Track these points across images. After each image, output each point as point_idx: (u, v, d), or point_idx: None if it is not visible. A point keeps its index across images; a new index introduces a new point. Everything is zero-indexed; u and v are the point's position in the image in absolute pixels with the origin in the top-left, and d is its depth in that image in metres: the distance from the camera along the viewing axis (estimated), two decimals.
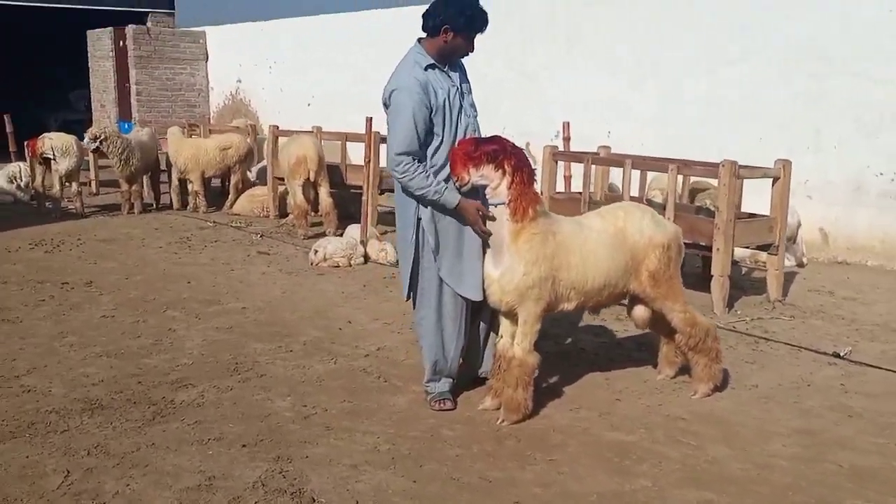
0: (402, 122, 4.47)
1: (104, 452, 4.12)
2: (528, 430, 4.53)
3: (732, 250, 7.01)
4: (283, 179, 10.97)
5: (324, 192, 10.11)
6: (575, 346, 5.99)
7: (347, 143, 10.82)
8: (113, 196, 12.55)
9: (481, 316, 4.88)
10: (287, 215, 11.17)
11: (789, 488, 3.93)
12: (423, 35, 4.65)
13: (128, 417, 4.55)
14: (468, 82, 4.76)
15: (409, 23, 14.79)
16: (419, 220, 4.60)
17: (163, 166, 12.42)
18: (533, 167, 4.50)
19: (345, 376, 5.28)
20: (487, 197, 4.48)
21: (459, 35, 4.57)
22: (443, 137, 4.55)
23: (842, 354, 5.98)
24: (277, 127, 11.59)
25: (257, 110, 17.86)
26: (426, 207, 4.56)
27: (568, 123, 9.97)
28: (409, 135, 4.45)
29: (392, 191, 10.75)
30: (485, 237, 4.51)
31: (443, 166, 4.54)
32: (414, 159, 4.47)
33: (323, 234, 9.91)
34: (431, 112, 4.48)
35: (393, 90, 4.53)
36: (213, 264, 8.55)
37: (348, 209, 11.40)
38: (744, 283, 7.97)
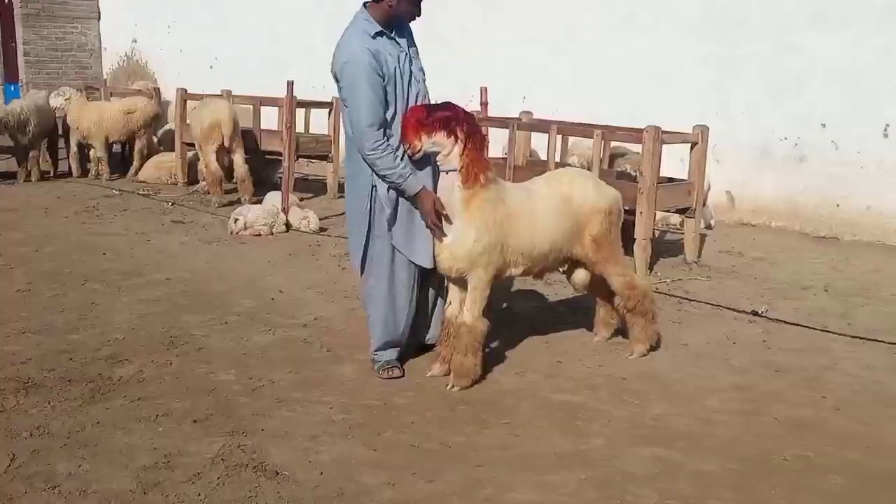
0: (362, 94, 4.37)
1: (48, 433, 3.95)
2: (478, 394, 4.58)
3: (654, 214, 7.22)
4: (192, 145, 10.66)
5: (239, 159, 9.86)
6: (511, 311, 6.08)
7: (261, 107, 10.53)
8: (5, 163, 11.91)
9: (429, 283, 4.89)
10: (196, 182, 10.87)
11: (734, 442, 4.12)
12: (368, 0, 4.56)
13: (66, 396, 4.38)
14: (415, 45, 4.71)
15: None
16: (374, 188, 4.55)
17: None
18: (485, 133, 4.51)
19: (287, 347, 5.21)
20: (439, 164, 4.46)
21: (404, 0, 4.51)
22: (396, 107, 4.49)
23: (760, 312, 6.27)
24: (186, 90, 11.20)
25: (155, 72, 17.20)
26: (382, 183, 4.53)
27: (485, 88, 9.98)
28: (373, 104, 4.37)
29: (308, 157, 10.77)
30: (436, 232, 4.48)
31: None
32: (384, 134, 4.41)
33: (237, 202, 9.69)
34: (384, 81, 4.41)
35: (344, 62, 4.43)
36: (128, 234, 8.25)
37: (260, 175, 11.18)
38: (659, 246, 8.21)
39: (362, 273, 4.77)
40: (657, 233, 8.81)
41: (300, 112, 10.31)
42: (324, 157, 10.80)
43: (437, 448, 3.95)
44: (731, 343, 5.62)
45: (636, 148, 8.57)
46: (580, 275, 5.13)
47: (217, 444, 3.87)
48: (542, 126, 7.60)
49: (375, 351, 4.81)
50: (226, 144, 9.74)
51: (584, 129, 7.50)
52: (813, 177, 9.17)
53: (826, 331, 5.92)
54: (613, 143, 8.40)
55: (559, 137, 7.75)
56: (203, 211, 9.52)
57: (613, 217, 4.97)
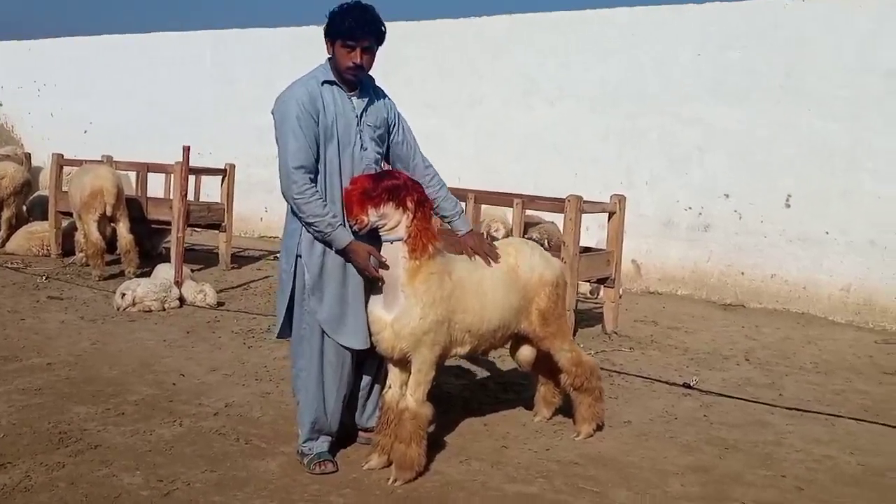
0: (289, 133, 3.97)
1: None
2: (423, 489, 4.11)
3: (577, 284, 7.00)
4: (68, 214, 9.85)
5: (123, 229, 9.13)
6: (441, 390, 5.64)
7: (149, 174, 9.86)
8: None
9: (365, 365, 4.42)
10: (72, 254, 10.01)
11: None
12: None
13: None
14: (385, 115, 4.27)
15: (198, 48, 13.99)
16: (299, 257, 4.10)
17: None
18: (431, 201, 4.14)
19: (197, 441, 4.60)
20: (381, 233, 4.05)
21: (333, 43, 4.12)
22: (326, 164, 4.07)
23: (692, 384, 6.08)
24: (62, 155, 10.39)
25: (22, 137, 16.14)
26: (309, 241, 4.07)
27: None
28: (300, 146, 3.95)
29: (198, 226, 10.12)
30: (377, 283, 4.07)
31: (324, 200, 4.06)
32: (310, 179, 3.98)
33: (120, 275, 8.94)
34: (317, 127, 4.00)
35: (280, 101, 4.06)
36: None
37: (144, 247, 10.43)
38: (576, 317, 8.01)
39: (281, 338, 4.34)
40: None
41: (190, 179, 9.69)
42: (215, 227, 10.17)
43: None
44: (673, 418, 5.37)
45: (547, 218, 8.46)
46: (526, 352, 4.78)
47: None
48: (460, 195, 7.30)
49: (304, 442, 4.28)
50: (108, 213, 9.02)
51: (504, 198, 7.27)
52: (717, 246, 9.25)
53: (761, 402, 5.77)
54: (529, 213, 8.19)
55: (475, 206, 7.47)
56: (82, 285, 8.70)
57: (560, 290, 4.67)
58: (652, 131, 9.55)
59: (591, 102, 9.93)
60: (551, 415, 5.16)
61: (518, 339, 4.75)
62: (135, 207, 9.68)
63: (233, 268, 10.19)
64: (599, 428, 4.97)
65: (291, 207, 4.06)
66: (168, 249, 10.19)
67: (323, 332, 4.15)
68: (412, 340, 4.04)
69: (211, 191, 10.97)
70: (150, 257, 10.19)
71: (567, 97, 10.08)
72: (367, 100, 4.19)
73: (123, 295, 7.56)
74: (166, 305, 7.64)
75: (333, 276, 4.12)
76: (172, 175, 9.53)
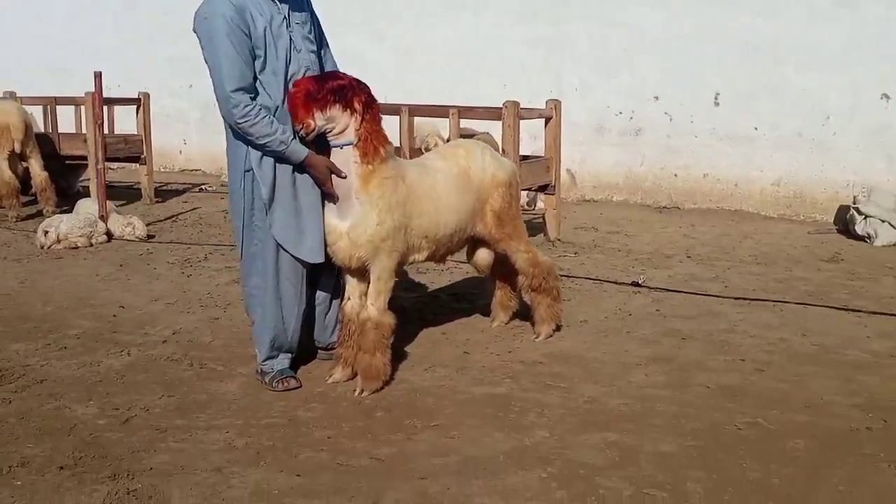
0: (222, 53, 3.72)
1: None
2: (391, 397, 4.03)
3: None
4: None
5: (36, 166, 8.66)
6: (395, 303, 5.51)
7: (57, 107, 9.31)
8: None
9: (321, 279, 4.27)
10: None
11: (679, 417, 3.82)
12: None
13: None
14: (308, 11, 4.05)
15: None
16: (249, 170, 3.89)
17: None
18: (377, 101, 3.96)
19: (149, 368, 4.40)
20: (330, 139, 3.87)
21: None
22: (266, 75, 3.84)
23: (640, 283, 6.12)
24: None
25: None
26: (259, 155, 3.85)
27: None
28: (236, 65, 3.72)
29: (116, 160, 9.65)
30: (333, 198, 3.90)
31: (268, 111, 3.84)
32: (251, 99, 3.75)
33: (38, 215, 8.50)
34: (251, 40, 3.76)
35: (203, 19, 3.77)
36: None
37: (59, 185, 9.92)
38: None
39: (242, 272, 4.09)
40: None
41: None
42: (134, 160, 9.72)
43: (369, 464, 3.37)
44: (627, 315, 5.40)
45: (481, 128, 8.32)
46: (483, 255, 4.70)
47: (99, 493, 3.09)
48: (393, 108, 7.09)
49: (264, 361, 4.14)
50: (18, 150, 8.50)
51: (439, 109, 7.09)
52: (650, 149, 9.29)
53: (709, 295, 5.86)
54: (464, 125, 8.04)
55: (409, 120, 7.28)
56: None
57: (514, 190, 4.59)
58: (579, 36, 9.43)
59: (515, 11, 9.73)
60: (508, 319, 5.12)
61: (474, 243, 4.67)
62: (46, 144, 9.17)
63: (157, 202, 9.79)
64: (558, 328, 4.96)
65: (235, 129, 3.83)
66: (85, 187, 9.74)
67: (277, 247, 3.98)
68: (370, 248, 3.91)
69: (125, 126, 10.46)
70: (66, 196, 9.72)
71: (490, 5, 9.86)
72: (287, 4, 3.93)
73: (46, 232, 7.17)
74: (93, 241, 7.29)
75: (285, 188, 3.94)
76: (84, 107, 9.02)
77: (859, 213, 7.76)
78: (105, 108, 9.51)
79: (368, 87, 3.90)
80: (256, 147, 3.83)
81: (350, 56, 10.37)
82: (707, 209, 9.12)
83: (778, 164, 8.74)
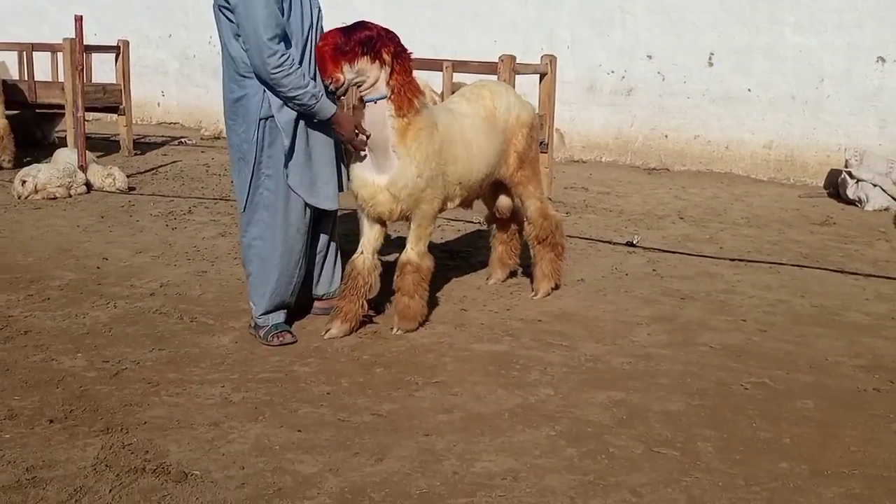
0: (256, 2, 3.54)
1: None
2: (390, 353, 3.92)
3: None
4: None
5: None
6: (385, 262, 5.41)
7: (34, 54, 8.99)
8: None
9: (321, 228, 4.14)
10: None
11: (685, 375, 3.76)
12: None
13: None
14: None
15: None
16: (265, 119, 3.74)
17: None
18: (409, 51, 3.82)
19: (138, 321, 4.26)
20: (363, 94, 3.74)
21: None
22: (291, 26, 3.70)
23: (634, 243, 6.04)
24: None
25: None
26: (279, 104, 3.71)
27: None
28: (271, 13, 3.58)
29: (96, 109, 9.36)
30: (360, 155, 3.79)
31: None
32: (286, 48, 3.60)
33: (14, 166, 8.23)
34: None
35: None
36: None
37: (34, 135, 9.67)
38: None
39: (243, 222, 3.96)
40: None
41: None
42: (112, 110, 9.45)
43: (371, 420, 3.27)
44: (624, 274, 5.32)
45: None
46: (504, 199, 4.70)
47: (93, 447, 2.96)
48: None
49: (261, 315, 4.00)
50: None
51: (432, 63, 6.90)
52: (641, 110, 9.16)
53: (705, 255, 5.79)
54: (457, 79, 7.86)
55: None
56: None
57: (534, 132, 4.53)
58: None
59: None
60: (506, 277, 5.03)
61: (495, 188, 4.61)
62: (20, 92, 8.88)
63: (136, 154, 9.54)
64: (557, 287, 4.87)
65: (267, 82, 3.67)
66: (61, 138, 9.46)
67: (286, 197, 3.87)
68: (412, 200, 3.88)
69: (101, 76, 10.16)
70: (42, 146, 9.45)
71: None
72: None
73: (24, 182, 6.95)
74: (72, 191, 7.08)
75: (300, 137, 3.85)
76: (61, 54, 8.73)
77: (851, 176, 7.72)
78: (83, 55, 9.25)
79: (397, 37, 3.77)
80: (285, 98, 3.69)
81: (338, 5, 10.18)
82: (697, 171, 9.04)
83: (769, 127, 8.66)
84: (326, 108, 3.74)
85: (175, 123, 12.33)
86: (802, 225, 6.91)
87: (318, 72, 3.75)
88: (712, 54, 8.77)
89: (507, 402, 3.45)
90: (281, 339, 3.96)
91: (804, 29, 8.38)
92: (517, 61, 6.95)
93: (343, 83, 3.65)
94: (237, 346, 3.97)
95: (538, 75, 7.16)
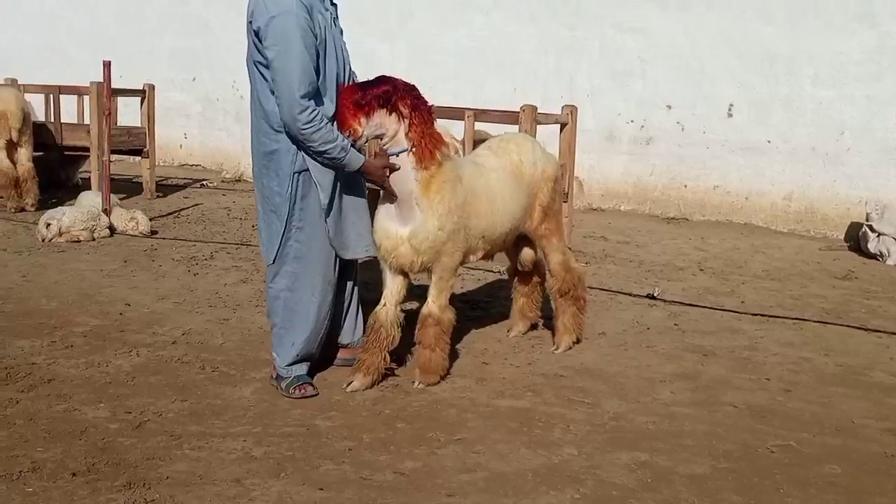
0: (294, 55, 3.60)
1: None
2: (412, 408, 3.91)
3: None
4: None
5: (24, 156, 8.40)
6: (406, 312, 5.42)
7: (61, 96, 9.13)
8: None
9: (345, 276, 4.17)
10: None
11: (710, 437, 3.72)
12: None
13: None
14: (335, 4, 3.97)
15: None
16: (299, 173, 3.79)
17: None
18: (429, 103, 3.85)
19: (161, 370, 4.27)
20: (385, 148, 3.78)
21: None
22: (325, 82, 3.77)
23: (655, 295, 6.02)
24: None
25: None
26: (314, 160, 3.77)
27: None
28: (307, 69, 3.63)
29: (120, 152, 9.47)
30: (393, 198, 3.83)
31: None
32: (316, 104, 3.67)
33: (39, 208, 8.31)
34: (316, 42, 3.67)
35: (272, 17, 3.60)
36: None
37: (59, 176, 9.79)
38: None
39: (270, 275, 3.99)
40: None
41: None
42: (137, 153, 9.55)
43: (393, 479, 3.25)
44: (645, 328, 5.29)
45: (495, 132, 8.18)
46: (528, 251, 4.70)
47: (116, 503, 2.96)
48: None
49: (284, 366, 4.00)
50: (15, 139, 8.31)
51: (454, 111, 6.95)
52: (660, 159, 9.19)
53: (727, 310, 5.76)
54: (478, 128, 7.92)
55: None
56: None
57: (558, 184, 4.54)
58: (592, 42, 9.33)
59: (528, 13, 9.62)
60: (526, 329, 5.02)
61: (518, 240, 4.64)
62: (46, 134, 9.01)
63: (158, 196, 9.63)
64: (578, 341, 4.85)
65: (297, 137, 3.72)
66: (84, 179, 9.56)
67: (319, 248, 3.91)
68: (432, 253, 3.90)
69: (124, 118, 10.29)
70: (65, 188, 9.57)
71: (503, 8, 9.74)
72: None
73: (48, 225, 7.02)
74: (96, 234, 7.14)
75: (339, 191, 3.93)
76: (87, 97, 8.86)
77: (872, 230, 7.69)
78: (111, 99, 9.39)
79: (417, 90, 3.81)
80: (315, 153, 3.74)
81: (361, 54, 10.28)
82: (716, 221, 9.04)
83: (790, 178, 8.66)
84: (355, 159, 3.78)
85: (197, 165, 12.46)
86: (824, 279, 6.87)
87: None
88: (732, 105, 8.81)
89: (530, 462, 3.42)
90: (303, 391, 3.96)
91: (823, 81, 8.42)
92: (538, 111, 7.00)
93: (360, 135, 3.70)
94: (259, 398, 3.96)
95: (559, 125, 7.19)
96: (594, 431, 3.74)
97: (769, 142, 8.72)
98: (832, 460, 3.52)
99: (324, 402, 3.94)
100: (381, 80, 3.74)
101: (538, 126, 6.95)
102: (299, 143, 3.74)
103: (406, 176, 3.79)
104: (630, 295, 6.06)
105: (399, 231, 3.84)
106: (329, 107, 3.76)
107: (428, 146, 3.74)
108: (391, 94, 3.67)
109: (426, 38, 10.15)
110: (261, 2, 3.66)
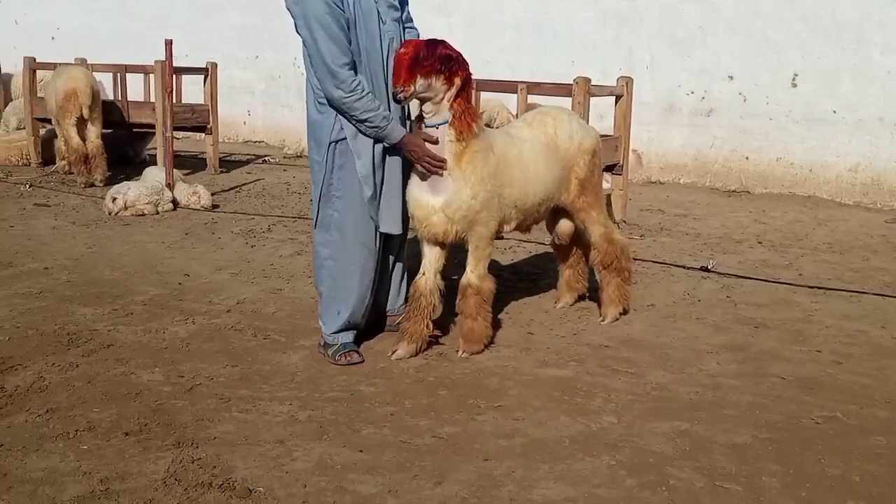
0: (320, 30, 3.70)
1: None
2: (454, 375, 3.97)
3: None
4: (47, 120, 9.42)
5: (92, 133, 8.67)
6: (455, 282, 5.47)
7: (128, 75, 9.39)
8: None
9: (389, 247, 4.24)
10: (52, 162, 9.61)
11: (753, 407, 3.69)
12: None
13: None
14: None
15: None
16: (335, 142, 3.89)
17: None
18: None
19: (214, 337, 4.41)
20: (426, 118, 3.82)
21: None
22: (360, 55, 3.83)
23: (709, 267, 5.95)
24: (34, 59, 9.88)
25: None
26: (354, 129, 3.85)
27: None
28: (337, 41, 3.71)
29: (184, 128, 9.72)
30: (439, 172, 3.84)
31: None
32: (356, 74, 3.74)
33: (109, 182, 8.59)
34: (344, 14, 3.73)
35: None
36: None
37: (127, 153, 10.09)
38: None
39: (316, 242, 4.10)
40: None
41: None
42: (200, 129, 9.79)
43: (432, 442, 3.31)
44: (696, 300, 5.24)
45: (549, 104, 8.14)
46: (565, 223, 4.68)
47: (164, 461, 3.09)
48: None
49: (331, 334, 4.10)
50: (85, 116, 8.59)
51: (507, 85, 6.96)
52: (721, 131, 9.03)
53: (783, 282, 5.66)
54: (531, 101, 7.90)
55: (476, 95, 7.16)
56: (68, 192, 8.37)
57: (597, 158, 4.51)
58: (651, 12, 9.18)
59: None
60: (574, 301, 5.02)
61: (556, 213, 4.62)
62: (114, 112, 9.29)
63: (221, 172, 9.87)
64: (625, 312, 4.84)
65: (340, 108, 3.81)
66: (152, 156, 9.84)
67: (358, 217, 3.99)
68: (466, 222, 3.92)
69: (191, 96, 10.53)
70: (133, 164, 9.86)
71: None
72: None
73: (114, 199, 7.26)
74: (160, 208, 7.36)
75: (379, 163, 3.98)
76: (153, 76, 9.09)
77: None
78: (173, 77, 9.63)
79: (468, 65, 3.84)
80: (357, 122, 3.81)
81: (422, 30, 10.35)
82: (779, 194, 8.84)
83: (856, 150, 8.41)
84: (396, 130, 3.84)
85: (260, 142, 12.69)
86: (887, 251, 6.69)
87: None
88: (796, 75, 8.59)
89: (568, 429, 3.45)
90: (348, 358, 4.05)
91: (893, 49, 8.13)
92: (594, 83, 6.95)
93: (411, 93, 3.71)
94: (306, 365, 4.07)
95: (614, 97, 7.13)
96: (635, 401, 3.74)
97: (835, 112, 8.48)
98: (878, 432, 3.46)
99: (369, 368, 4.03)
100: (444, 44, 3.76)
101: (592, 98, 6.91)
102: (343, 114, 3.81)
103: (441, 148, 3.82)
104: (683, 267, 6.00)
105: (431, 201, 3.87)
106: (368, 75, 3.81)
107: (467, 119, 3.77)
108: (452, 61, 3.70)
109: (483, 11, 10.12)
110: None
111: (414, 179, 3.95)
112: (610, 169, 7.30)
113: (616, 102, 7.14)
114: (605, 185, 7.98)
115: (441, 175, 3.86)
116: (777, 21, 8.61)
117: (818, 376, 4.05)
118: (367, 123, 3.79)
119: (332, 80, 3.72)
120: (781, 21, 8.59)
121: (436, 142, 3.82)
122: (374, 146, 3.93)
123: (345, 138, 3.87)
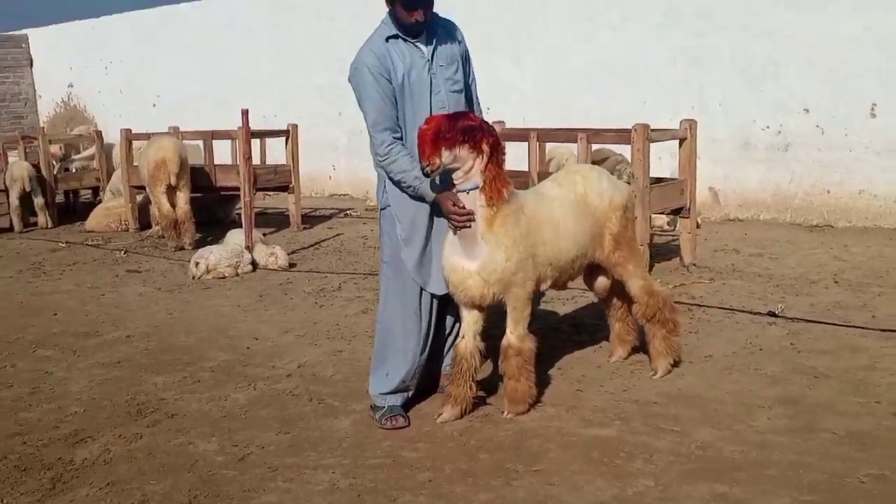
0: (368, 99, 3.99)
1: None
2: (497, 437, 4.02)
3: (650, 218, 6.76)
4: (142, 188, 10.00)
5: (181, 199, 9.18)
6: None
7: (214, 141, 9.90)
8: None
9: (447, 312, 4.39)
10: (149, 227, 10.17)
11: (798, 466, 3.60)
12: None
13: (21, 490, 3.72)
14: (458, 47, 4.15)
15: (256, 10, 13.90)
16: (384, 209, 4.18)
17: None
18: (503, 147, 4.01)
19: (271, 403, 4.60)
20: (456, 183, 3.95)
21: (393, 3, 3.99)
22: (405, 121, 4.04)
23: (777, 312, 5.81)
24: (130, 130, 10.52)
25: (94, 115, 16.49)
26: (398, 192, 4.09)
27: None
28: (380, 106, 3.97)
29: (266, 189, 10.16)
30: (463, 228, 3.97)
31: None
32: (394, 138, 3.99)
33: (199, 245, 9.03)
34: (391, 84, 3.97)
35: (353, 69, 4.06)
36: (79, 290, 7.55)
37: (217, 214, 10.58)
38: (650, 251, 7.75)
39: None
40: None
41: (255, 143, 9.70)
42: (283, 188, 10.20)
43: None
44: (758, 349, 5.14)
45: (617, 150, 8.17)
46: (602, 279, 4.72)
47: None
48: (521, 134, 7.09)
49: (382, 394, 4.24)
50: (174, 183, 9.09)
51: (567, 134, 7.02)
52: (800, 165, 8.81)
53: (853, 326, 5.48)
54: (595, 148, 7.93)
55: (538, 145, 7.25)
56: (159, 257, 8.85)
57: (629, 213, 4.54)
58: (721, 49, 9.08)
59: (654, 23, 9.49)
60: (627, 354, 5.00)
61: (592, 269, 4.66)
62: (203, 177, 9.78)
63: (304, 228, 10.23)
64: (677, 364, 4.79)
65: (379, 165, 4.10)
66: (240, 215, 10.29)
67: (404, 282, 4.16)
68: (502, 285, 4.01)
69: (279, 154, 10.99)
70: (223, 224, 10.32)
71: (630, 20, 9.66)
72: (434, 41, 4.09)
73: (197, 263, 7.64)
74: (239, 270, 7.70)
75: (421, 226, 4.14)
76: (237, 140, 9.55)
77: None
78: (258, 140, 10.10)
79: (496, 131, 3.96)
80: (394, 183, 4.05)
81: (490, 79, 10.54)
82: (863, 228, 8.54)
83: None
84: (427, 192, 3.99)
85: (345, 195, 13.08)
86: None
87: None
88: (875, 105, 8.32)
89: (603, 494, 3.46)
90: (394, 423, 4.16)
91: None
92: (666, 124, 6.93)
93: (438, 166, 3.83)
94: (355, 430, 4.20)
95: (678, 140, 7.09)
96: (676, 462, 3.71)
97: None
98: None
99: (413, 432, 4.13)
100: (466, 115, 3.89)
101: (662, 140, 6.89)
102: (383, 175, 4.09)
103: (473, 212, 3.92)
104: (750, 313, 5.88)
105: (466, 265, 3.96)
106: (408, 140, 4.02)
107: (498, 184, 3.88)
108: (476, 130, 3.81)
109: (553, 57, 10.22)
110: (354, 59, 4.07)
111: (447, 244, 4.05)
112: (677, 212, 7.26)
113: (680, 146, 7.09)
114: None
115: (469, 227, 3.95)
116: (852, 50, 8.39)
117: (873, 431, 3.92)
118: (402, 184, 4.01)
119: (371, 143, 4.03)
120: (857, 49, 8.36)
121: (464, 207, 3.94)
122: (415, 211, 4.09)
123: (389, 205, 4.10)
